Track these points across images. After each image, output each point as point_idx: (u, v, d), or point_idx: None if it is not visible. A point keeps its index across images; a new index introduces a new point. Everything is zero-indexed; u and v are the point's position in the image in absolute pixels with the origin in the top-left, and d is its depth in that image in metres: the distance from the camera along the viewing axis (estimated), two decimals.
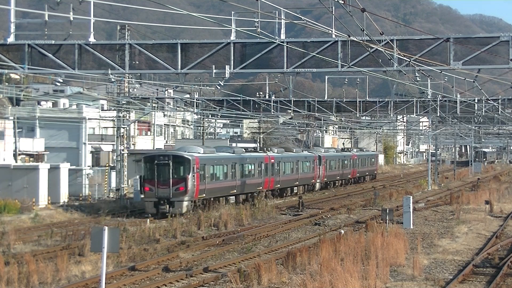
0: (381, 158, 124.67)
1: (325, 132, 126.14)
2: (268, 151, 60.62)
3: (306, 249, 28.80)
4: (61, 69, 29.44)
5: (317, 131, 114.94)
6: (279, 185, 60.30)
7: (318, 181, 69.84)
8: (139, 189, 47.52)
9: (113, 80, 51.12)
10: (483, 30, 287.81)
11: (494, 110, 56.91)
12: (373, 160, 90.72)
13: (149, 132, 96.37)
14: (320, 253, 27.87)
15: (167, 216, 43.32)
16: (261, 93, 67.86)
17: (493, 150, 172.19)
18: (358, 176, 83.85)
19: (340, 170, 76.28)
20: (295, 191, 64.42)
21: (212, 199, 48.88)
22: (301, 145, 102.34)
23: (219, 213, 44.60)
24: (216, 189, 49.29)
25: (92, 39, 28.70)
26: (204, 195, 47.48)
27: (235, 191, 52.19)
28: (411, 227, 38.95)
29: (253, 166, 55.14)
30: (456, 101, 54.78)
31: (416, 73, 30.28)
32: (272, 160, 58.63)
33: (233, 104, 56.91)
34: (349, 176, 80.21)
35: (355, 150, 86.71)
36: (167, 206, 44.95)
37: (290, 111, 57.32)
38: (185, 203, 45.40)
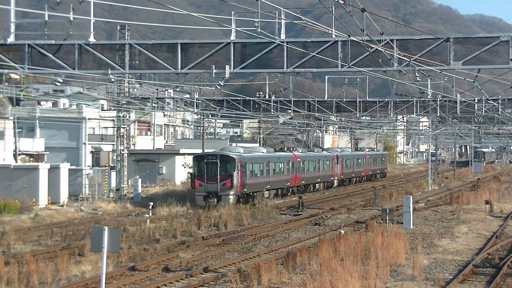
0: None
1: (325, 132, 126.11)
2: (294, 150, 66.23)
3: (306, 249, 28.80)
4: (61, 69, 29.43)
5: (317, 131, 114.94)
6: (303, 182, 65.85)
7: (336, 178, 75.18)
8: (190, 184, 53.96)
9: (113, 80, 51.12)
10: (483, 30, 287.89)
11: (494, 110, 56.90)
12: (383, 159, 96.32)
13: (149, 132, 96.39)
14: (320, 253, 27.87)
15: (215, 208, 48.40)
16: (261, 93, 67.89)
17: (493, 150, 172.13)
18: (371, 174, 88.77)
19: (355, 168, 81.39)
20: (317, 187, 70.07)
21: (251, 193, 54.20)
22: (301, 145, 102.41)
23: (219, 213, 44.63)
24: (254, 184, 54.87)
25: (92, 39, 28.70)
26: (246, 189, 53.24)
27: (269, 186, 57.91)
28: (411, 227, 38.96)
29: (282, 165, 60.58)
30: (456, 101, 54.78)
31: (416, 73, 30.26)
32: (298, 159, 63.99)
33: (233, 104, 56.90)
34: (363, 173, 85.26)
35: (367, 149, 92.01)
36: (215, 199, 50.46)
37: (290, 111, 57.32)
38: (231, 197, 51.13)
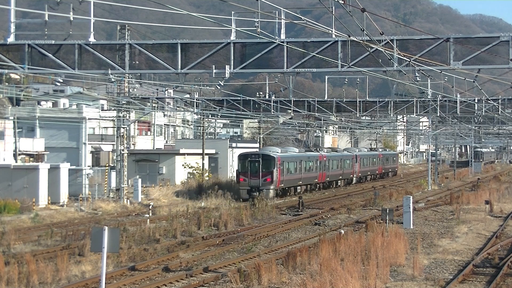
0: None
1: (325, 132, 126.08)
2: (320, 150, 73.72)
3: (306, 249, 28.79)
4: (61, 69, 29.41)
5: (317, 131, 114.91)
6: (328, 179, 72.71)
7: (354, 175, 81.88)
8: (235, 179, 61.12)
9: (113, 80, 51.10)
10: (483, 30, 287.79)
11: (494, 110, 56.88)
12: (394, 158, 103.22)
13: (149, 132, 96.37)
14: (320, 253, 27.87)
15: (257, 201, 52.49)
16: (261, 93, 67.81)
17: (492, 150, 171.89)
18: (384, 172, 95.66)
19: (370, 167, 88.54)
20: (339, 184, 76.97)
21: (287, 188, 61.49)
22: (301, 145, 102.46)
23: (219, 213, 44.65)
24: (290, 180, 61.96)
25: (92, 39, 28.68)
26: (283, 185, 60.28)
27: (301, 182, 64.86)
28: (411, 227, 38.95)
29: (312, 163, 67.65)
30: (456, 101, 54.76)
31: (416, 73, 30.22)
32: (324, 158, 70.70)
33: (233, 104, 56.87)
34: (377, 172, 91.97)
35: (380, 149, 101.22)
36: (257, 193, 56.45)
37: (290, 111, 57.30)
38: (271, 191, 58.09)
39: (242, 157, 59.81)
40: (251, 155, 59.54)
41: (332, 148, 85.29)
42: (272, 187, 58.26)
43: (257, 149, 65.25)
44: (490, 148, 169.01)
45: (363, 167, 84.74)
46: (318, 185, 70.11)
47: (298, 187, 64.29)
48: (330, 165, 72.35)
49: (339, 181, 76.99)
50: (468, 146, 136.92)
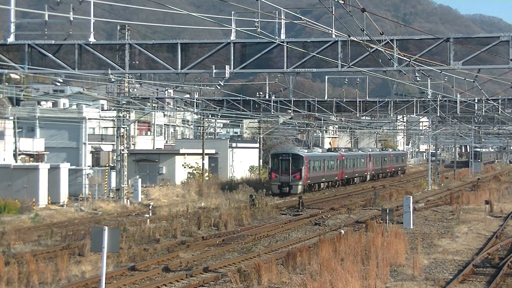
0: None
1: (325, 132, 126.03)
2: (339, 150, 79.47)
3: (306, 249, 28.79)
4: (61, 69, 29.40)
5: (317, 131, 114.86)
6: (346, 176, 78.80)
7: (368, 173, 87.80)
8: (268, 176, 67.91)
9: (113, 80, 51.07)
10: (483, 30, 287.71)
11: (494, 110, 56.86)
12: (403, 158, 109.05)
13: (149, 132, 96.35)
14: (320, 253, 27.87)
15: (288, 195, 62.58)
16: (261, 93, 67.76)
17: (491, 150, 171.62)
18: (394, 170, 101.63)
19: (382, 165, 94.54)
20: (355, 181, 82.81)
21: (312, 184, 68.01)
22: (301, 145, 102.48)
23: (219, 213, 44.65)
24: (315, 177, 68.32)
25: (92, 39, 28.67)
26: (309, 181, 66.59)
27: (324, 179, 71.67)
28: (411, 227, 38.94)
29: (333, 162, 73.71)
30: (456, 101, 54.74)
31: (416, 73, 30.20)
32: (343, 158, 76.75)
33: (233, 104, 56.85)
34: (388, 170, 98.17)
35: (390, 149, 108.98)
36: (288, 188, 63.32)
37: (290, 111, 57.28)
38: (299, 186, 64.01)
39: (274, 156, 65.67)
40: (282, 154, 65.15)
41: (349, 148, 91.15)
42: (300, 183, 64.04)
43: (286, 149, 70.81)
44: (490, 148, 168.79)
45: (376, 165, 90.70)
46: (337, 182, 76.13)
47: (321, 184, 71.03)
48: (347, 163, 78.47)
49: (355, 178, 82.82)
50: (468, 146, 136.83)
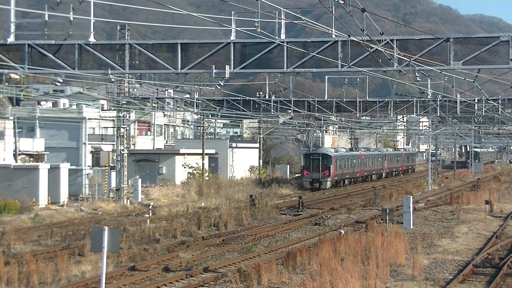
0: None
1: (325, 132, 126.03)
2: (359, 150, 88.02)
3: (306, 249, 28.79)
4: (61, 69, 29.39)
5: (317, 131, 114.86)
6: (366, 173, 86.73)
7: (384, 171, 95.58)
8: (300, 173, 76.79)
9: (113, 80, 51.05)
10: (483, 30, 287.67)
11: (494, 110, 56.84)
12: (413, 157, 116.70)
13: (149, 132, 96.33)
14: (320, 253, 27.87)
15: (318, 189, 71.53)
16: (261, 93, 67.76)
17: (490, 150, 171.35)
18: (405, 169, 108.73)
19: (395, 164, 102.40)
20: (373, 178, 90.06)
21: (339, 180, 76.10)
22: (301, 145, 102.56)
23: (219, 213, 44.64)
24: (341, 174, 76.64)
25: (92, 39, 28.66)
26: (336, 178, 74.86)
27: (348, 176, 79.46)
28: (411, 227, 38.96)
29: (355, 161, 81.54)
30: (456, 101, 54.72)
31: (416, 73, 30.19)
32: (363, 157, 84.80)
33: (233, 104, 56.84)
34: (400, 168, 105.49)
35: (402, 149, 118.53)
36: (318, 184, 71.98)
37: (290, 111, 57.25)
38: (328, 182, 72.43)
39: (306, 156, 74.63)
40: (313, 154, 73.83)
41: (367, 148, 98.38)
42: (329, 179, 72.45)
43: (317, 150, 79.58)
44: (490, 148, 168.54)
45: (390, 164, 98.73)
46: (358, 178, 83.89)
47: (345, 180, 78.76)
48: (367, 162, 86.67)
49: (373, 175, 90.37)
50: (468, 146, 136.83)
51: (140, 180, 57.09)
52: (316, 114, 59.75)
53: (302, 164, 74.16)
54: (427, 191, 70.58)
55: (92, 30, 28.33)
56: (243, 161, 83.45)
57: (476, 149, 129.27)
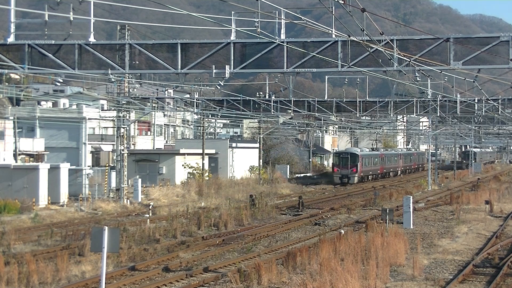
0: None
1: (325, 132, 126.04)
2: (378, 150, 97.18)
3: (306, 249, 28.79)
4: (61, 69, 29.39)
5: (317, 131, 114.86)
6: (385, 170, 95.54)
7: (399, 169, 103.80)
8: (331, 169, 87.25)
9: (113, 80, 51.04)
10: (483, 30, 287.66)
11: (494, 110, 56.86)
12: (423, 157, 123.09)
13: (149, 132, 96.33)
14: (320, 253, 27.87)
15: (346, 184, 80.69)
16: (261, 93, 67.76)
17: (489, 150, 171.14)
18: (416, 167, 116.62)
19: (408, 163, 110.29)
20: (390, 175, 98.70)
21: (364, 176, 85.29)
22: (301, 145, 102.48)
23: (219, 213, 44.64)
24: (366, 171, 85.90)
25: (92, 39, 28.66)
26: (362, 174, 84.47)
27: (371, 173, 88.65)
28: (411, 227, 38.95)
29: (376, 159, 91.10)
30: (456, 101, 54.74)
31: (416, 73, 30.19)
32: (383, 156, 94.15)
33: (233, 104, 56.84)
34: (412, 166, 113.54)
35: (413, 149, 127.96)
36: (346, 179, 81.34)
37: (290, 111, 57.26)
38: (355, 178, 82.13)
39: (336, 154, 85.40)
40: (342, 153, 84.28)
41: (384, 148, 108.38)
42: (356, 175, 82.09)
43: (346, 149, 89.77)
44: (490, 148, 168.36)
45: (404, 162, 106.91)
46: (379, 175, 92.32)
47: (369, 176, 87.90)
48: (386, 160, 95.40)
49: (390, 172, 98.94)
50: (468, 146, 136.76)
51: (140, 180, 57.08)
52: (316, 114, 59.76)
53: (333, 161, 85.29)
54: (427, 191, 70.58)
55: (92, 30, 28.33)
56: (243, 161, 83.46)
57: (474, 149, 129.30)
